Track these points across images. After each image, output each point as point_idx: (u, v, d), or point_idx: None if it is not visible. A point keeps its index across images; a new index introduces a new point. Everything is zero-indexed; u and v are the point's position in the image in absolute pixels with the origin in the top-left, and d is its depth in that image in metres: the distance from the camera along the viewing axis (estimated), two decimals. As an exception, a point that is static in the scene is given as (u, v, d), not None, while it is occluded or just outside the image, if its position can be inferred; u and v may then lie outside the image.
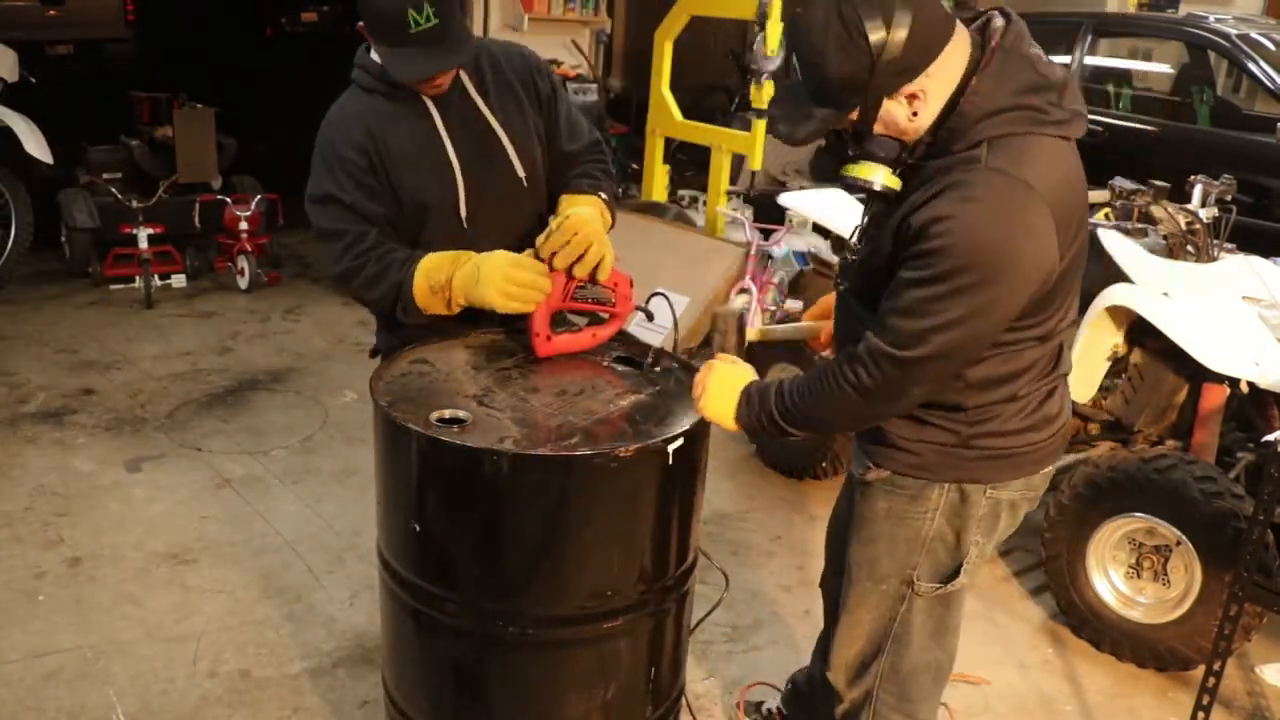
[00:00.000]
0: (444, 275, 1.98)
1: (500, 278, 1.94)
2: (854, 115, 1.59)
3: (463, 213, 2.09)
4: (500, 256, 1.97)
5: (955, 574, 1.88)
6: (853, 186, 1.65)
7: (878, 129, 1.60)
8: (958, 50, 1.56)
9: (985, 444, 1.76)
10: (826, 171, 5.99)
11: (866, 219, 1.79)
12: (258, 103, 9.57)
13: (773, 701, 2.60)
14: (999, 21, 1.60)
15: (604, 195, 2.15)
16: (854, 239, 1.85)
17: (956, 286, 1.51)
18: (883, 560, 1.89)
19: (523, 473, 1.70)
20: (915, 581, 1.88)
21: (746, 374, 1.83)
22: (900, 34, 1.48)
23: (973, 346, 1.60)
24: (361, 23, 1.96)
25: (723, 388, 1.80)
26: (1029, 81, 1.57)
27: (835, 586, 2.17)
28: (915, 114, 1.58)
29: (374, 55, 2.04)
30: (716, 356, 1.90)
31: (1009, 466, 1.79)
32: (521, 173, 2.13)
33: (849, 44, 1.49)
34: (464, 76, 2.08)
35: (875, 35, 1.48)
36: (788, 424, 1.75)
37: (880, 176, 1.61)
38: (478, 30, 6.84)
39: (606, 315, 2.14)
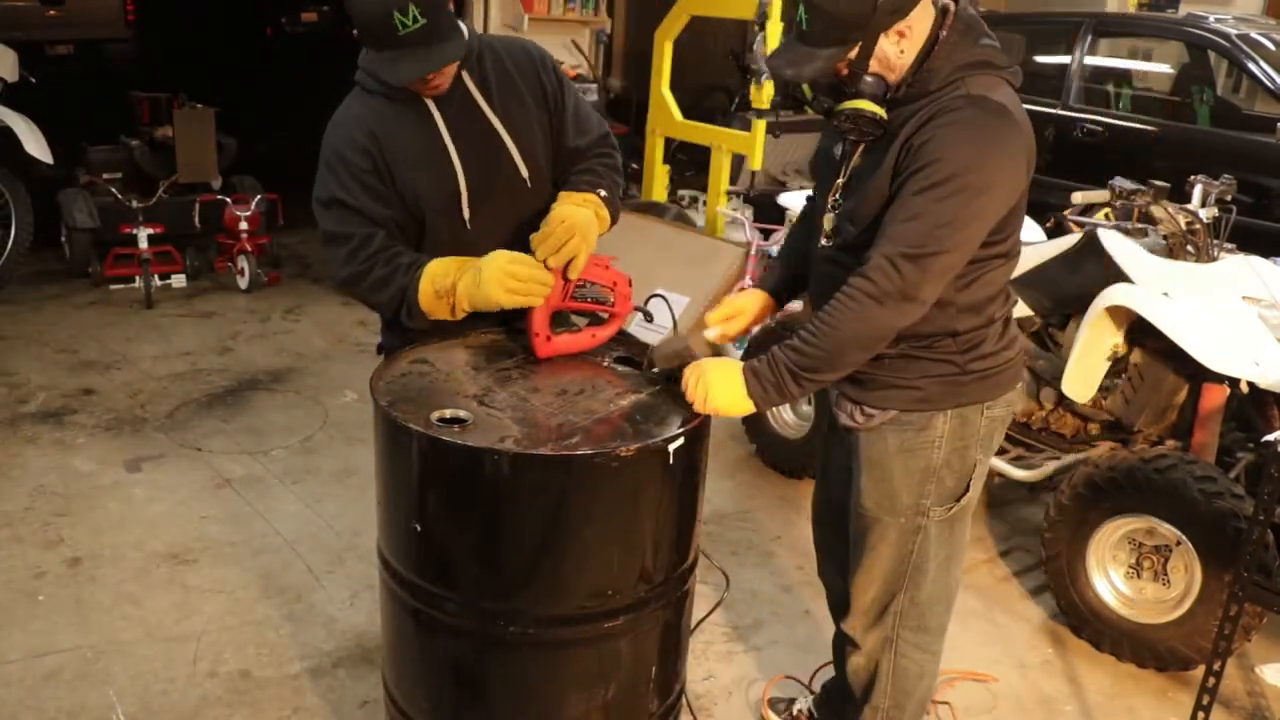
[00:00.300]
0: (449, 281, 1.98)
1: (502, 274, 1.94)
2: (853, 54, 1.79)
3: (465, 213, 2.09)
4: (500, 256, 1.96)
5: (963, 493, 2.06)
6: (850, 119, 1.82)
7: (871, 66, 1.81)
8: (927, 6, 1.82)
9: (977, 366, 1.97)
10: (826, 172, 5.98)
11: (846, 177, 1.94)
12: (258, 103, 9.58)
13: (804, 702, 2.62)
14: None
15: (602, 193, 2.13)
16: (836, 196, 1.97)
17: (957, 188, 1.73)
18: (901, 494, 2.04)
19: (523, 472, 1.70)
20: (929, 509, 2.04)
21: (736, 361, 1.91)
22: None
23: (970, 244, 1.81)
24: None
25: (725, 377, 1.86)
26: (982, 34, 1.86)
27: (839, 575, 2.28)
28: (902, 51, 1.81)
29: None
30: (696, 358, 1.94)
31: (996, 385, 2.01)
32: (525, 173, 2.12)
33: None
34: (465, 76, 2.07)
35: None
36: (807, 373, 1.84)
37: (872, 107, 1.82)
38: (478, 30, 6.84)
39: (606, 315, 2.14)
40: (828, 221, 1.99)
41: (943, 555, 2.11)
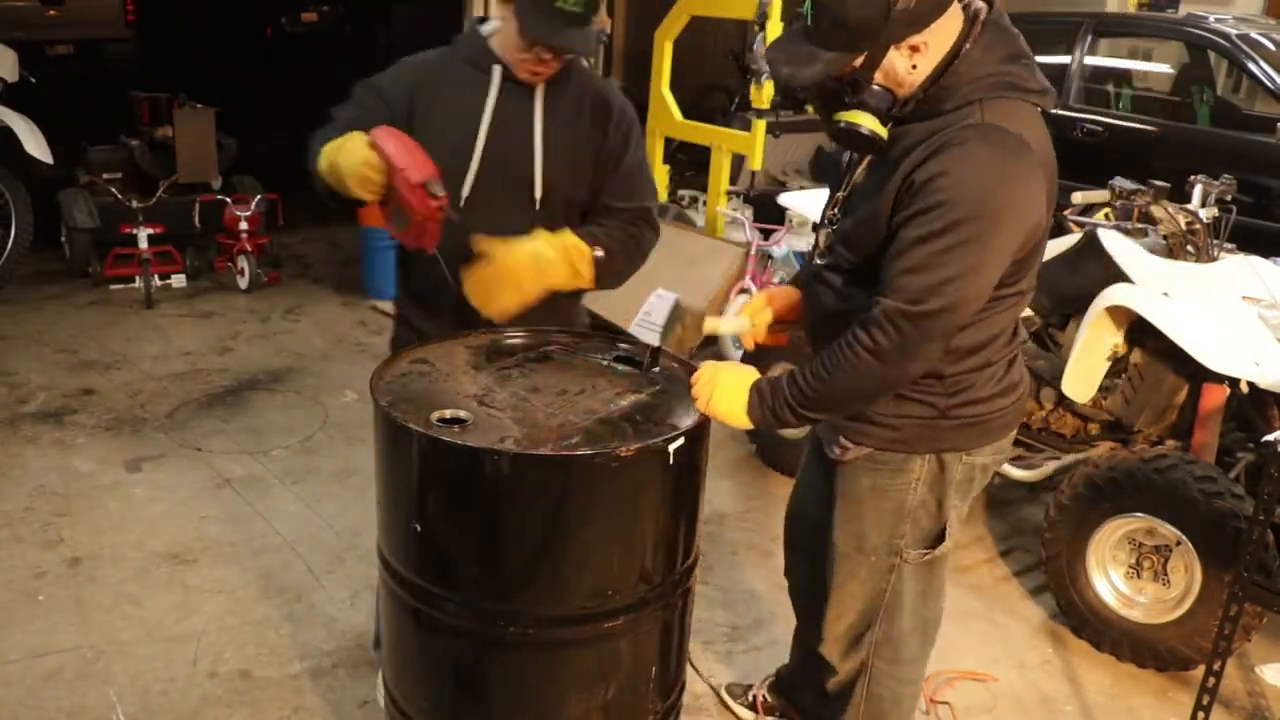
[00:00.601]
0: (337, 143, 1.93)
1: (362, 165, 1.87)
2: (858, 62, 1.64)
3: (464, 192, 2.06)
4: (362, 146, 1.89)
5: (939, 539, 1.97)
6: (843, 132, 1.68)
7: (877, 78, 1.65)
8: (955, 15, 1.64)
9: (962, 413, 1.84)
10: (826, 171, 5.99)
11: (847, 191, 1.83)
12: (258, 103, 9.58)
13: (759, 687, 2.63)
14: (981, 2, 1.69)
15: (599, 253, 2.05)
16: (834, 210, 1.87)
17: (964, 238, 1.57)
18: (870, 534, 1.96)
19: (523, 473, 1.70)
20: (903, 550, 1.96)
21: (752, 373, 1.86)
22: None
23: (979, 297, 1.67)
24: None
25: (733, 386, 1.82)
26: (1014, 50, 1.68)
27: (802, 573, 2.27)
28: (914, 66, 1.65)
29: (486, 28, 2.11)
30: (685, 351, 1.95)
31: (982, 433, 1.88)
32: (538, 193, 2.09)
33: None
34: (542, 84, 2.07)
35: None
36: (805, 409, 1.76)
37: (870, 123, 1.66)
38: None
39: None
40: (823, 237, 1.89)
41: (918, 591, 2.05)
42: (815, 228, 2.07)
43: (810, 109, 1.95)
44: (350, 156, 1.87)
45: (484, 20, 2.17)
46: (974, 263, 1.60)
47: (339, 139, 1.92)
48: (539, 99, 2.09)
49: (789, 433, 3.95)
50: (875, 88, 1.66)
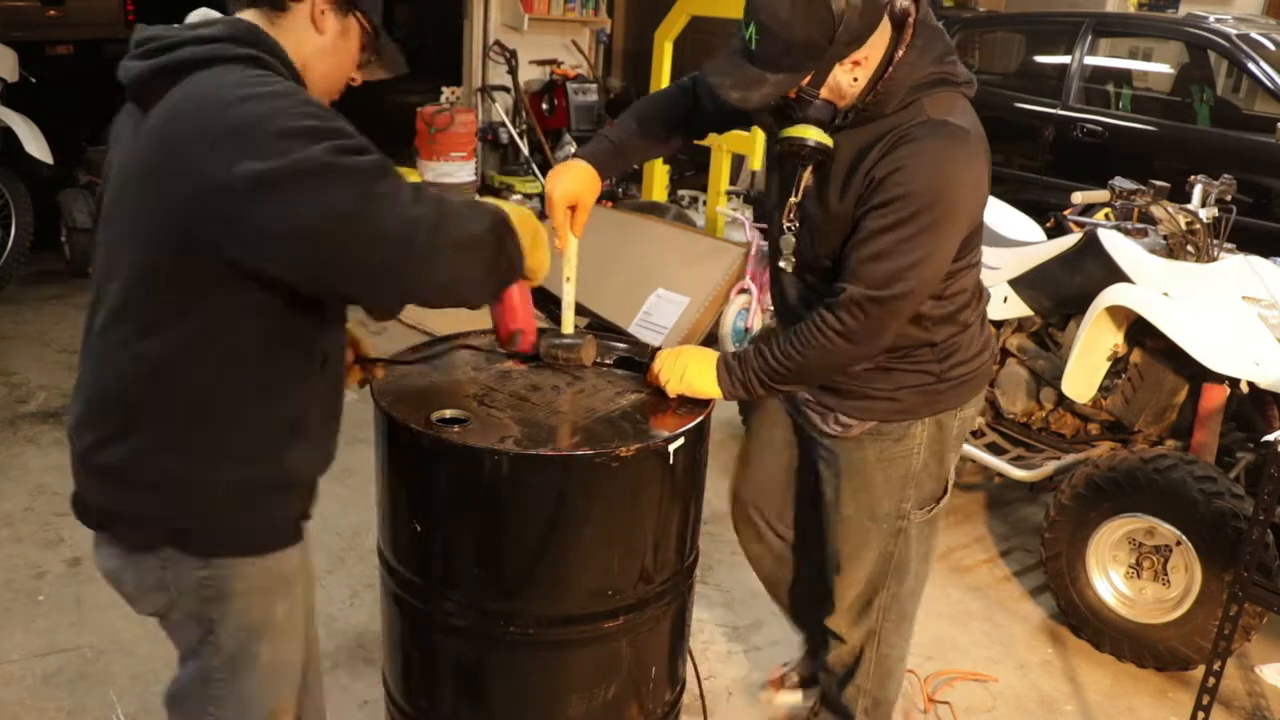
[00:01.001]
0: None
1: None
2: (805, 81, 1.71)
3: None
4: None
5: (941, 495, 2.12)
6: (792, 147, 1.76)
7: (822, 93, 1.73)
8: (885, 23, 1.70)
9: (955, 374, 1.98)
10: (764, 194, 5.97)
11: (799, 198, 1.89)
12: (258, 103, 9.57)
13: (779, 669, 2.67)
14: (907, 1, 1.73)
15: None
16: (790, 216, 1.93)
17: (922, 226, 1.71)
18: (882, 501, 2.06)
19: (523, 472, 1.70)
20: (909, 513, 2.08)
21: (711, 352, 1.94)
22: (857, 2, 1.62)
23: (936, 278, 1.81)
24: None
25: (701, 362, 1.90)
26: (943, 48, 1.77)
27: (774, 556, 2.39)
28: (855, 79, 1.73)
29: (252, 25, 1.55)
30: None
31: (972, 389, 2.04)
32: None
33: (814, 12, 1.62)
34: None
35: (838, 4, 1.61)
36: (775, 382, 1.88)
37: (816, 135, 1.75)
38: (478, 33, 6.84)
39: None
40: (786, 245, 1.96)
41: (922, 551, 2.17)
42: (677, 96, 2.11)
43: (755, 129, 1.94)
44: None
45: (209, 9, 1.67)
46: (931, 248, 1.74)
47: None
48: None
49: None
50: (818, 102, 1.74)
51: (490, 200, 1.59)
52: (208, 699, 1.65)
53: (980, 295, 2.03)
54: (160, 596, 1.60)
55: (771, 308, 2.23)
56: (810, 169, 1.84)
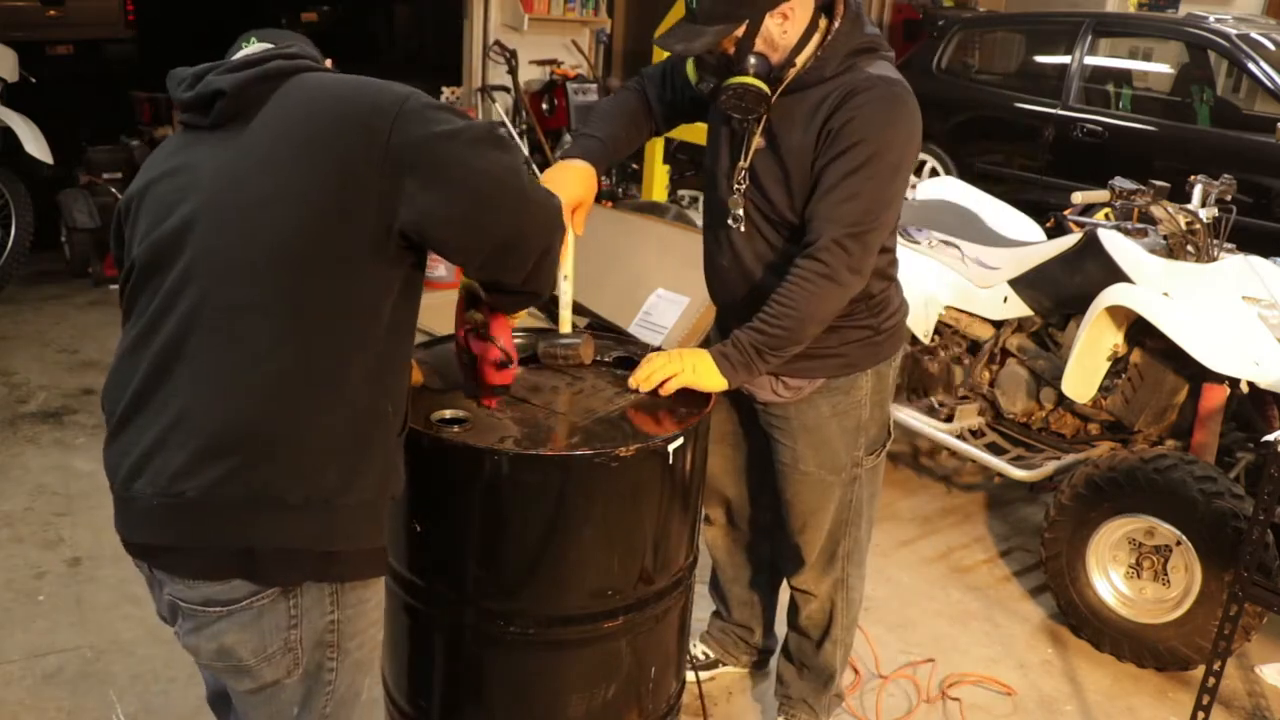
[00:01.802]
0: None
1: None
2: (740, 31, 1.87)
3: None
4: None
5: (886, 439, 2.27)
6: (737, 93, 1.89)
7: (757, 44, 1.89)
8: None
9: (888, 324, 2.13)
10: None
11: (749, 158, 2.01)
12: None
13: (695, 647, 2.76)
14: None
15: None
16: (740, 179, 2.03)
17: (881, 167, 1.87)
18: (840, 453, 2.18)
19: (523, 472, 1.70)
20: (862, 460, 2.21)
21: (704, 350, 1.98)
22: None
23: (895, 217, 1.99)
24: None
25: (698, 358, 1.95)
26: (868, 26, 1.97)
27: (738, 515, 2.52)
28: (785, 31, 1.90)
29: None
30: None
31: (900, 338, 2.21)
32: None
33: None
34: None
35: None
36: (772, 350, 1.96)
37: (758, 83, 1.89)
38: (478, 33, 6.84)
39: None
40: (735, 204, 2.06)
41: (871, 493, 2.30)
42: (712, 200, 2.20)
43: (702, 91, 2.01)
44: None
45: None
46: (894, 188, 1.92)
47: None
48: None
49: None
50: (753, 57, 1.89)
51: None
52: None
53: (894, 253, 2.17)
54: (283, 660, 1.45)
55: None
56: (759, 130, 1.97)
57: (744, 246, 2.09)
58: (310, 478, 1.38)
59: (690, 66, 2.01)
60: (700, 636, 2.76)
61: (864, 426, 2.18)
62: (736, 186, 2.04)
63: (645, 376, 1.92)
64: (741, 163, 2.02)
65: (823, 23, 1.93)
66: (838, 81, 1.90)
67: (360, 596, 1.48)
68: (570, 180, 2.03)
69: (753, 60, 1.89)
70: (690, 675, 2.60)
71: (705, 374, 1.94)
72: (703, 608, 2.86)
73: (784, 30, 1.90)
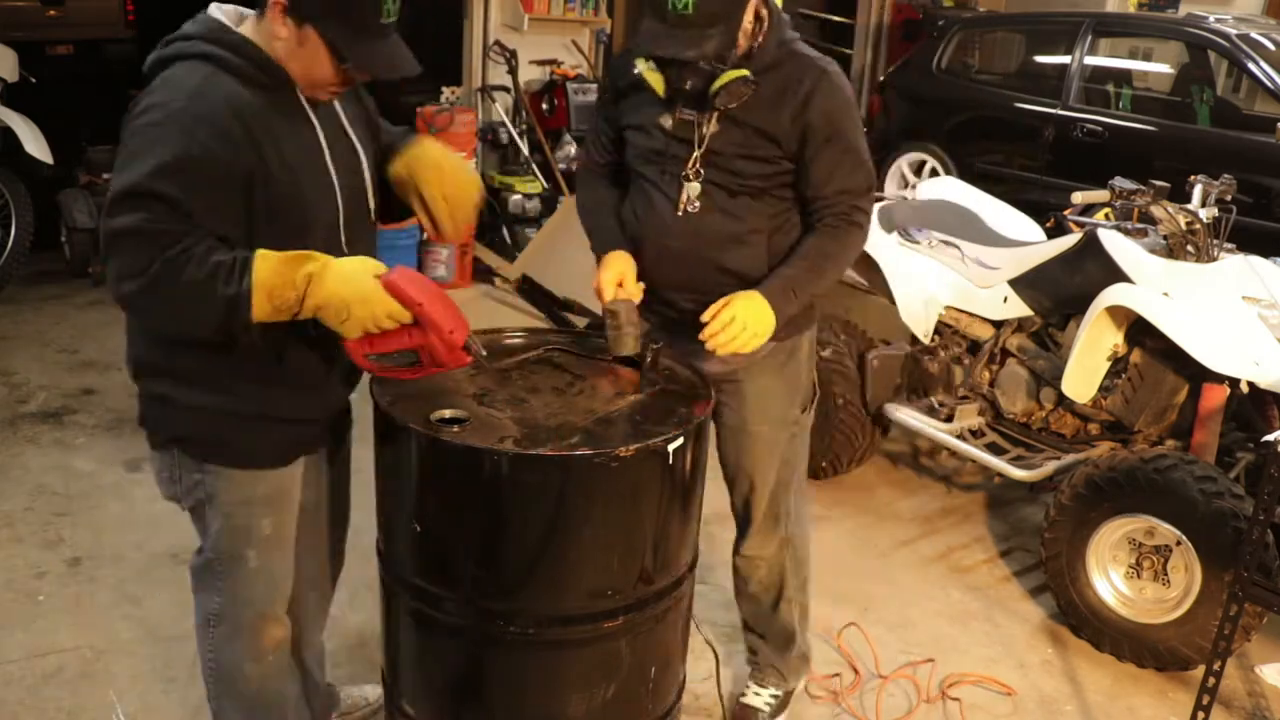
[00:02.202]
0: (291, 294, 1.63)
1: (373, 313, 1.66)
2: (736, 26, 1.97)
3: (342, 238, 1.84)
4: (377, 287, 1.66)
5: (814, 397, 2.41)
6: (737, 86, 1.98)
7: (739, 40, 2.00)
8: None
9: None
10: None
11: (704, 147, 2.07)
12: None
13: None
14: None
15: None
16: (695, 167, 2.09)
17: (858, 136, 2.13)
18: (787, 410, 2.32)
19: (523, 472, 1.70)
20: (799, 417, 2.35)
21: (754, 293, 2.05)
22: None
23: None
24: None
25: (754, 309, 2.02)
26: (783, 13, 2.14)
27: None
28: (751, 20, 2.01)
29: (228, 17, 1.73)
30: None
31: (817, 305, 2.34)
32: (372, 204, 1.95)
33: None
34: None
35: None
36: (813, 288, 2.16)
37: (744, 73, 1.99)
38: (478, 33, 6.84)
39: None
40: (690, 190, 2.12)
41: (801, 447, 2.42)
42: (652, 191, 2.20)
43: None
44: (370, 306, 1.63)
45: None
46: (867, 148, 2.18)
47: (279, 291, 1.61)
48: (339, 107, 1.87)
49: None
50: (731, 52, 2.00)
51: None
52: (213, 586, 1.99)
53: None
54: (171, 488, 1.95)
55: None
56: (713, 120, 2.06)
57: (703, 224, 2.13)
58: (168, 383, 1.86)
59: (653, 76, 2.03)
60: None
61: (801, 385, 2.34)
62: (691, 171, 2.11)
63: (725, 342, 2.00)
64: (698, 151, 2.09)
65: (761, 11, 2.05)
66: (783, 71, 2.05)
67: (222, 471, 1.87)
68: (614, 265, 2.14)
69: (731, 56, 1.99)
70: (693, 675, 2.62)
71: (763, 324, 2.03)
72: (703, 607, 2.86)
73: (751, 19, 2.00)
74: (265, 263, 1.61)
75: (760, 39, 2.05)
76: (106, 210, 1.62)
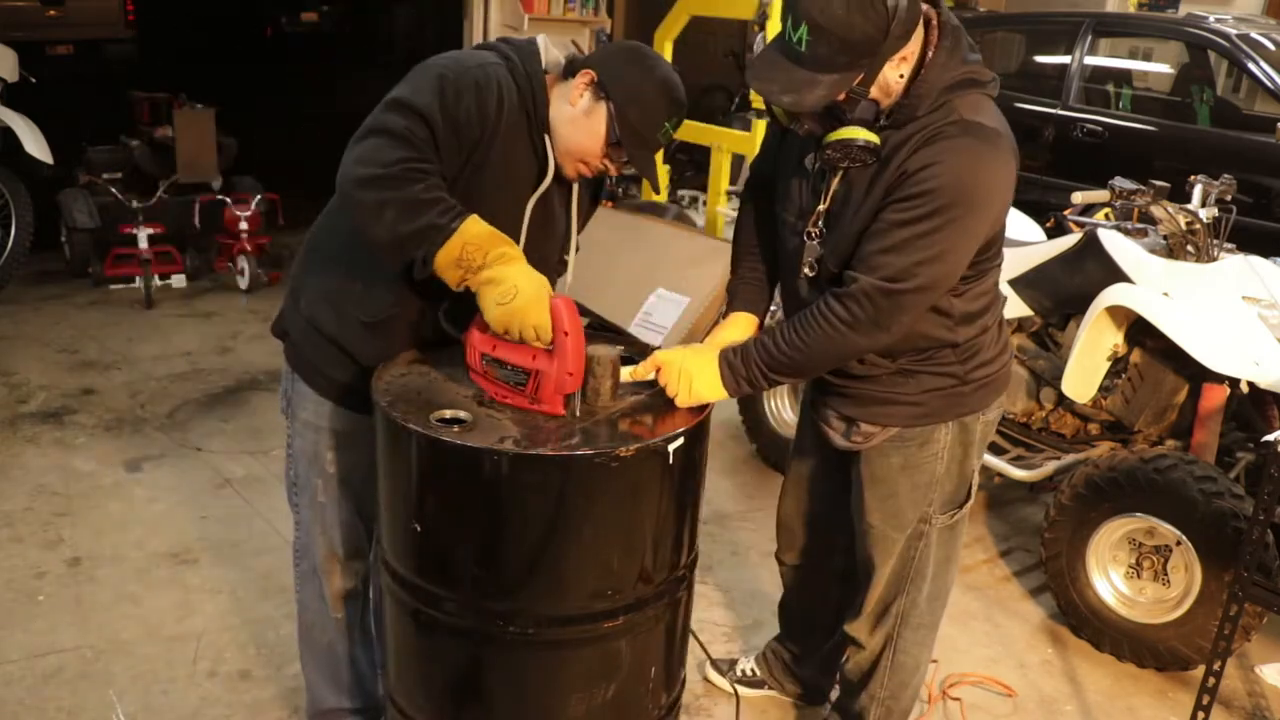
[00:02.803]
0: (481, 255, 1.70)
1: (541, 305, 1.72)
2: (857, 80, 1.68)
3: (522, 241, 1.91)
4: (542, 285, 1.74)
5: (965, 499, 2.10)
6: (842, 149, 1.73)
7: (871, 92, 1.71)
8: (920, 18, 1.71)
9: (977, 375, 1.98)
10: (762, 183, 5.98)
11: (829, 202, 1.86)
12: (258, 103, 9.58)
13: (746, 662, 2.72)
14: (924, 3, 1.72)
15: None
16: (818, 225, 1.89)
17: (942, 222, 1.69)
18: (906, 510, 2.06)
19: (523, 472, 1.70)
20: (932, 517, 2.07)
21: (710, 349, 1.91)
22: None
23: (952, 276, 1.79)
24: None
25: (702, 367, 1.86)
26: (967, 47, 1.77)
27: (809, 558, 2.40)
28: (901, 75, 1.72)
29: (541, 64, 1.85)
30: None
31: (994, 390, 2.03)
32: (570, 256, 2.03)
33: (872, 6, 1.60)
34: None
35: None
36: (777, 373, 1.87)
37: (866, 135, 1.73)
38: (478, 33, 6.84)
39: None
40: (809, 252, 1.91)
41: (942, 556, 2.16)
42: (752, 218, 2.14)
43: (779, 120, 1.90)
44: (531, 306, 1.70)
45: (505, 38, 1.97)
46: (949, 246, 1.72)
47: (474, 245, 1.69)
48: (575, 191, 1.97)
49: (789, 431, 3.95)
50: (865, 102, 1.71)
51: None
52: (296, 509, 2.18)
53: (999, 297, 2.02)
54: (281, 388, 2.14)
55: (774, 308, 2.21)
56: (841, 175, 1.82)
57: (810, 294, 1.92)
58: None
59: (776, 108, 1.82)
60: (755, 657, 2.71)
61: (938, 482, 2.03)
62: (813, 234, 1.89)
63: (666, 386, 1.85)
64: (821, 206, 1.86)
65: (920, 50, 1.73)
66: (925, 120, 1.71)
67: (302, 386, 2.04)
68: (729, 332, 2.07)
69: (864, 107, 1.71)
70: (724, 683, 2.67)
71: (706, 388, 1.84)
72: (703, 607, 2.86)
73: (900, 75, 1.71)
74: (477, 224, 1.72)
75: (910, 90, 1.72)
76: (379, 109, 1.75)
